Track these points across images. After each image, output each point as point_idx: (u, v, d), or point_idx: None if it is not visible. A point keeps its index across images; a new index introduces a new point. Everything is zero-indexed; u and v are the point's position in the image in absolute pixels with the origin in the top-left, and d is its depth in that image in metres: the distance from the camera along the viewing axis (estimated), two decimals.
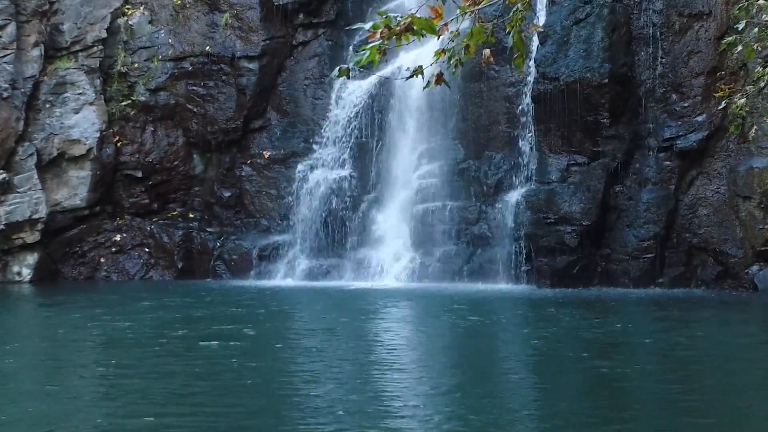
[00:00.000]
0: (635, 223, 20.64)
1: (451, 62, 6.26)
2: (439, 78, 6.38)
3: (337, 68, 6.22)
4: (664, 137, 20.88)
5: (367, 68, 24.28)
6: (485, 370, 11.50)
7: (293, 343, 13.72)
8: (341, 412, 9.05)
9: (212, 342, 13.13)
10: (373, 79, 23.25)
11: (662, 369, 11.70)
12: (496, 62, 22.23)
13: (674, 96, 20.97)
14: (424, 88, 6.47)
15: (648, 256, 20.41)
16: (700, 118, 20.66)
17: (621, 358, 12.41)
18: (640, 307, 17.80)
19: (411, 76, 6.36)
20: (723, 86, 18.12)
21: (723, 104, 14.80)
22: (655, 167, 20.90)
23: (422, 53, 15.27)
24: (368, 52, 6.06)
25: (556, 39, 21.16)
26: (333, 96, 23.73)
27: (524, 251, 20.71)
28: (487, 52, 6.69)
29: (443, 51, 6.32)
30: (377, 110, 23.10)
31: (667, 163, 20.87)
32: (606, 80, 20.67)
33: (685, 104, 20.85)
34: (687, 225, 20.58)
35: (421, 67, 6.36)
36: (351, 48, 23.33)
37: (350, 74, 6.16)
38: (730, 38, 10.79)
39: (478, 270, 21.19)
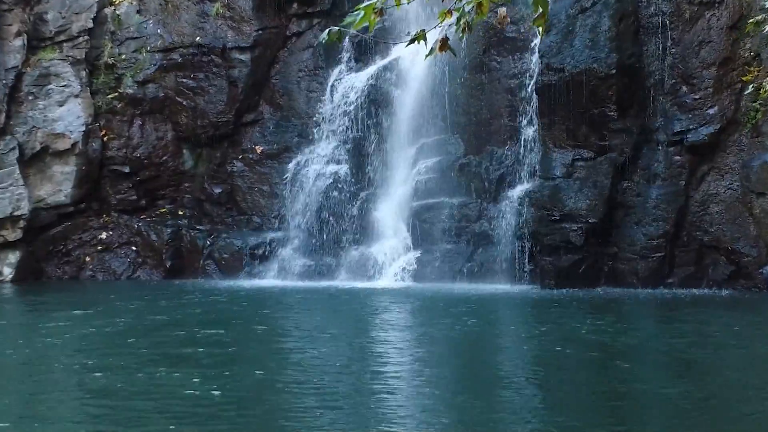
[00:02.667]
0: (644, 221, 19.94)
1: (460, 24, 5.37)
2: (444, 44, 5.51)
3: (326, 31, 5.34)
4: (674, 131, 20.20)
5: (361, 59, 23.17)
6: (486, 378, 10.98)
7: (283, 351, 12.98)
8: (334, 415, 8.59)
9: (196, 348, 12.47)
10: (369, 70, 22.67)
11: (672, 374, 11.23)
12: (497, 53, 21.59)
13: (684, 88, 20.24)
14: (427, 56, 5.59)
15: (657, 254, 19.72)
16: (711, 111, 19.91)
17: (630, 362, 11.91)
18: (649, 309, 17.36)
19: (411, 42, 5.49)
20: (752, 69, 17.22)
21: (750, 89, 13.99)
22: (664, 162, 20.17)
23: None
24: (362, 13, 5.19)
25: (560, 28, 20.39)
26: (328, 89, 23.00)
27: (527, 250, 20.30)
28: (503, 10, 5.81)
29: (449, 12, 5.42)
30: (374, 103, 22.44)
31: (677, 157, 20.18)
32: (613, 71, 19.94)
33: (696, 96, 20.11)
34: (698, 222, 19.89)
35: (423, 31, 5.48)
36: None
37: (341, 37, 5.27)
38: (759, 16, 9.98)
39: (479, 269, 20.63)
